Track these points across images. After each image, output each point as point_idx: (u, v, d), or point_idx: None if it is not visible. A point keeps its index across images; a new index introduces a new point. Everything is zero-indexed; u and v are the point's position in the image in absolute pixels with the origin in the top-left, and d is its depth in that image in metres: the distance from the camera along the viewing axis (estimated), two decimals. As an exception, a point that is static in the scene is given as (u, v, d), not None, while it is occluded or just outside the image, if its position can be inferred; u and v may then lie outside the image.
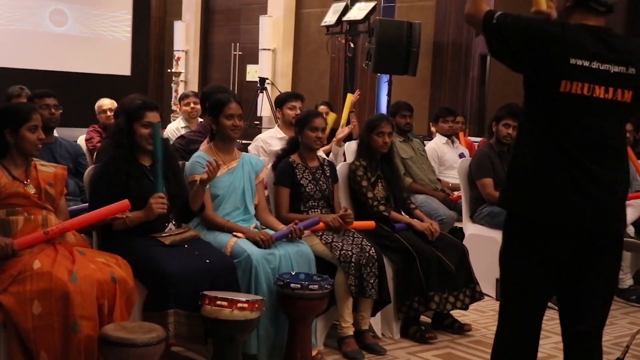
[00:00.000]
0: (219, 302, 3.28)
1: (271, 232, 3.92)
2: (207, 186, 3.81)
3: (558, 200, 2.53)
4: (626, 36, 2.71)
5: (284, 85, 11.00)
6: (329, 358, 3.99)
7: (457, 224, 5.74)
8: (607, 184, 2.56)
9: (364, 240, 4.13)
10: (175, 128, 6.40)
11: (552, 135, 2.54)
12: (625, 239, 5.09)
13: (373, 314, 4.22)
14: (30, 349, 3.00)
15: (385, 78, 8.54)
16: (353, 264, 3.97)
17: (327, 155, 5.64)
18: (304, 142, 4.34)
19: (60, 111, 4.96)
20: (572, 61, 2.49)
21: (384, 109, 8.65)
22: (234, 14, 12.63)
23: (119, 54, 12.79)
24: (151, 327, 3.06)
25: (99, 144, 5.39)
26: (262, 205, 4.17)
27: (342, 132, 6.01)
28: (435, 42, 9.73)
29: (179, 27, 12.96)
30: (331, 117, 6.60)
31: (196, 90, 10.51)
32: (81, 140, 5.68)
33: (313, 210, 4.27)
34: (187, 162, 4.05)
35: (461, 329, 4.46)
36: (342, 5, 9.05)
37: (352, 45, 8.92)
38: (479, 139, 7.41)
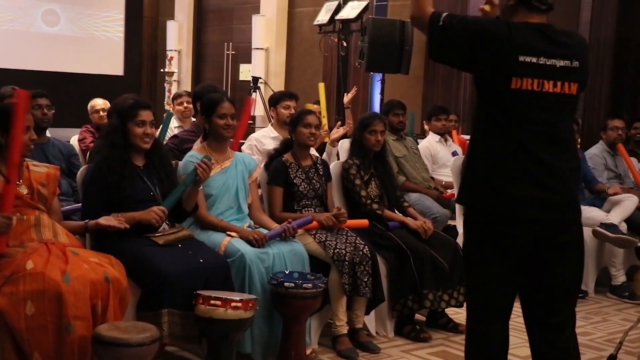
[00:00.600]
0: (212, 302, 3.29)
1: (265, 231, 3.93)
2: (201, 187, 3.82)
3: (515, 191, 2.60)
4: (568, 30, 2.77)
5: (277, 84, 10.98)
6: (323, 356, 3.99)
7: (451, 222, 5.75)
8: (562, 175, 2.64)
9: (358, 238, 4.13)
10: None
11: (506, 131, 2.61)
12: (618, 235, 5.16)
13: (367, 313, 4.23)
14: (24, 349, 2.99)
15: (378, 77, 8.52)
16: (347, 263, 3.97)
17: (320, 152, 5.64)
18: (297, 140, 4.35)
19: (53, 111, 4.94)
20: (521, 58, 2.57)
21: (377, 107, 8.64)
22: (227, 13, 12.61)
23: (112, 54, 12.73)
24: (145, 326, 3.05)
25: (91, 144, 5.38)
26: (256, 204, 4.17)
27: (336, 132, 6.02)
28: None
29: (171, 27, 12.92)
30: (310, 106, 6.59)
31: (189, 89, 10.48)
32: (74, 141, 5.66)
33: (306, 209, 4.28)
34: (180, 162, 4.05)
35: (455, 328, 4.47)
36: (334, 4, 9.03)
37: (344, 44, 8.89)
38: (472, 137, 7.40)
